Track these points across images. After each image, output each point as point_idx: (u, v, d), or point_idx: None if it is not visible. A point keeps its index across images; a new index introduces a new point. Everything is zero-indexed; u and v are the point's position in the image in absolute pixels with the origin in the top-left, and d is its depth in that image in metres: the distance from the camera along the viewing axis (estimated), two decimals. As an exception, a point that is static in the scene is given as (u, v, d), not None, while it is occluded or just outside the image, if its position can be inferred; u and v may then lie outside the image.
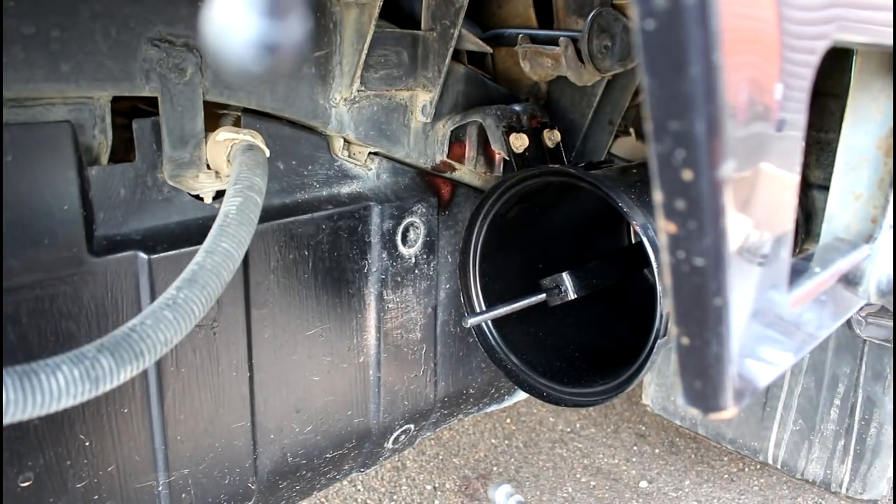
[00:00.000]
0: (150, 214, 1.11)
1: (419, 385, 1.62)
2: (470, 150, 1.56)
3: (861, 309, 1.38)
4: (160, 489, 1.20)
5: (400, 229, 1.44)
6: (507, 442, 2.86)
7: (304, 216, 1.28)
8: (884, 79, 1.00)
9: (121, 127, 1.08)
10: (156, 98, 1.04)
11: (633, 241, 1.97)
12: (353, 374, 1.47)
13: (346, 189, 1.38)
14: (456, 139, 1.52)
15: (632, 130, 2.12)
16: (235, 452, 1.30)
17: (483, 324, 1.55)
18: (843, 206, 1.07)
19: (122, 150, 1.09)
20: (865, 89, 1.02)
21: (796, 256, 0.94)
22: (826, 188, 1.10)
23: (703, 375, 0.60)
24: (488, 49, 1.53)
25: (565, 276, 1.47)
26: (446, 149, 1.49)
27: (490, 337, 1.57)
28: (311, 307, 1.34)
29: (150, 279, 1.08)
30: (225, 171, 1.09)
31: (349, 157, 1.37)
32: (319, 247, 1.31)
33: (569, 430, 2.97)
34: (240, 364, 1.25)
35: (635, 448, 2.84)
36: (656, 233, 1.21)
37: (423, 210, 1.48)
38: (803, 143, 0.65)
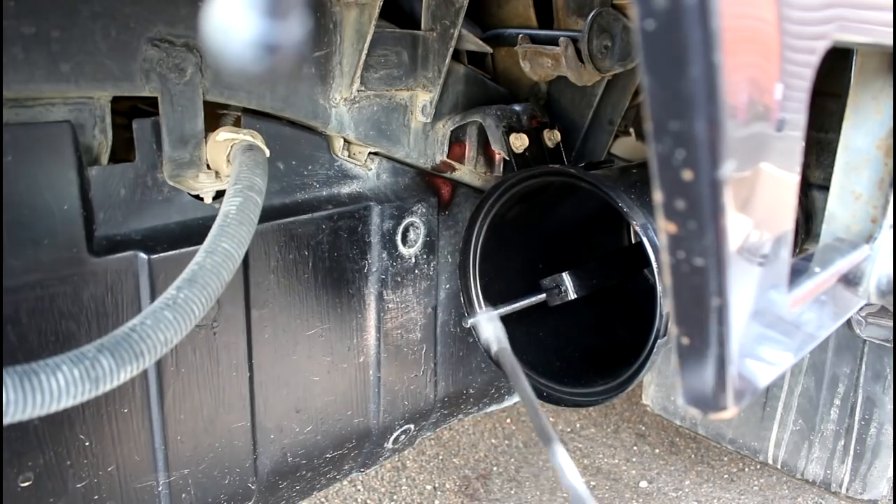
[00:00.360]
0: (150, 214, 1.10)
1: (419, 385, 1.62)
2: (470, 150, 1.56)
3: (861, 309, 1.38)
4: (160, 489, 1.20)
5: (400, 229, 1.44)
6: (507, 442, 2.86)
7: (304, 216, 1.28)
8: (884, 79, 1.00)
9: (121, 127, 1.08)
10: (156, 98, 1.04)
11: (633, 241, 1.97)
12: (353, 375, 1.47)
13: (346, 189, 1.38)
14: (456, 139, 1.52)
15: (632, 130, 2.12)
16: (235, 452, 1.30)
17: (483, 324, 1.55)
18: (843, 207, 1.07)
19: (122, 150, 1.09)
20: (865, 89, 1.02)
21: (796, 256, 0.94)
22: (826, 188, 1.09)
23: (702, 375, 0.60)
24: (488, 49, 1.53)
25: (565, 276, 1.47)
26: (446, 149, 1.49)
27: (490, 337, 1.57)
28: (311, 307, 1.34)
29: (150, 279, 1.08)
30: (225, 171, 1.09)
31: (349, 157, 1.37)
32: (319, 247, 1.31)
33: (569, 430, 2.97)
34: (240, 364, 1.25)
35: (635, 448, 2.84)
36: (656, 233, 1.21)
37: (423, 210, 1.48)
38: (803, 143, 0.65)
